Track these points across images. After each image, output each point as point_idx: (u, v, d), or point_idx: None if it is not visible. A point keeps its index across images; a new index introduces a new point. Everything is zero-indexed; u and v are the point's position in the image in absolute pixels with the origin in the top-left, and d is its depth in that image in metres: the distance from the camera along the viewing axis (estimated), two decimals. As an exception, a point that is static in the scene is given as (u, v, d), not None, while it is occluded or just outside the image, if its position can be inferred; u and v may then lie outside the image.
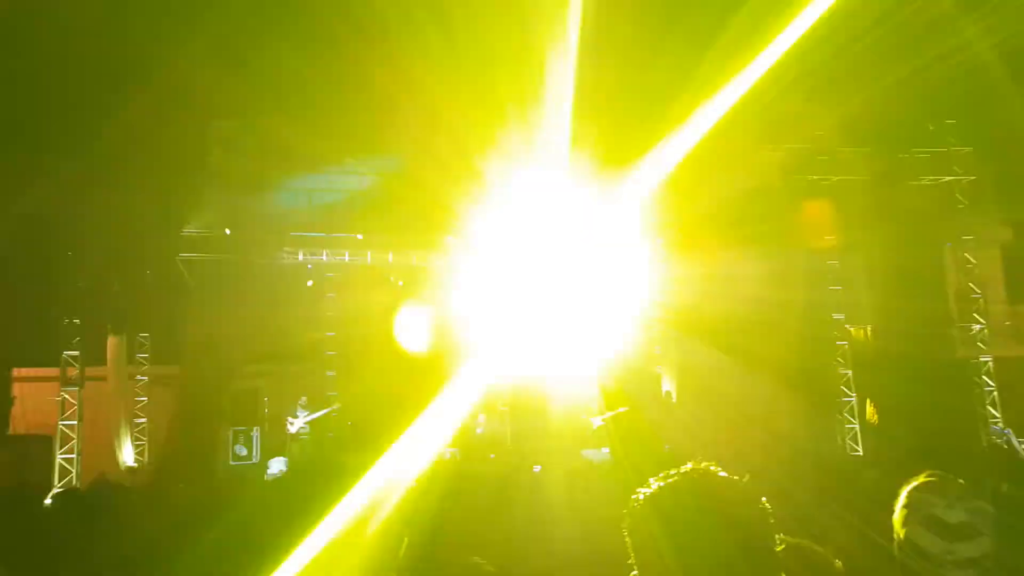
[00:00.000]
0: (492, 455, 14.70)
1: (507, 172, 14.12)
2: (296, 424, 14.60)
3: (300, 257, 16.77)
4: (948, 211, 16.16)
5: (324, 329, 19.76)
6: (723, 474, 1.51)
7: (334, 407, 16.18)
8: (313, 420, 14.91)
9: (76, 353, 13.91)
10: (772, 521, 1.39)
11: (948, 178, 15.93)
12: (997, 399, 15.34)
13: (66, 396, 14.08)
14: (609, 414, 16.59)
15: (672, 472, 1.55)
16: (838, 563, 1.85)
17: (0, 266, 8.86)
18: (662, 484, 1.47)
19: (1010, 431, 11.40)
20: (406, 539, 1.41)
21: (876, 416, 16.45)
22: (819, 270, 15.77)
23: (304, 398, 15.01)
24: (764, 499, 1.45)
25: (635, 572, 1.41)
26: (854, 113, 12.89)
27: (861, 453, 14.37)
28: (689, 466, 1.53)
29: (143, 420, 16.99)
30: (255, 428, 14.88)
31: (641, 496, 1.49)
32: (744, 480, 1.55)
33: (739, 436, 14.13)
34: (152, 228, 9.31)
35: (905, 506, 1.77)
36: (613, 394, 16.77)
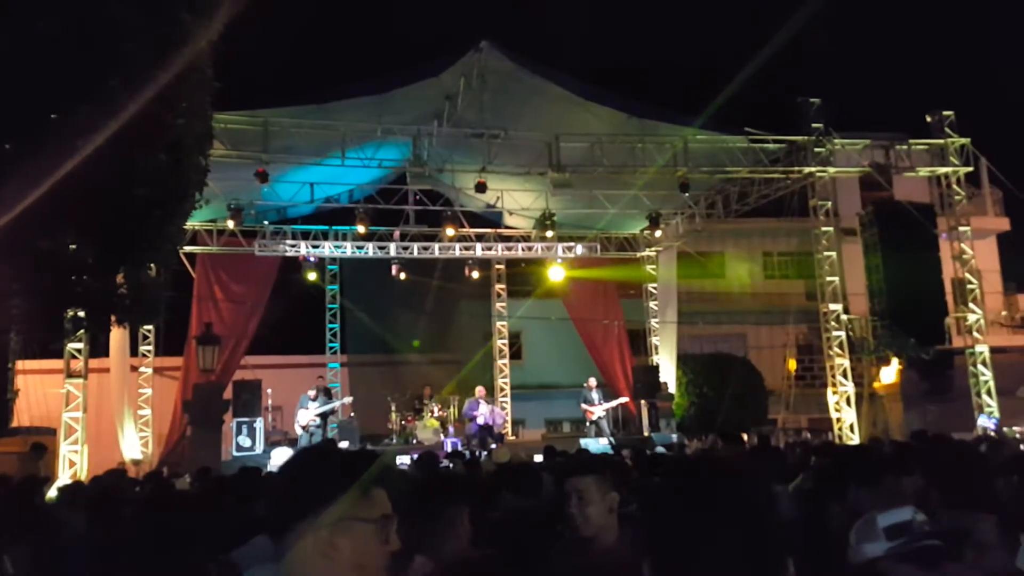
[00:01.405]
0: (493, 445, 14.79)
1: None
2: (307, 416, 14.67)
3: (302, 249, 16.86)
4: (945, 202, 16.26)
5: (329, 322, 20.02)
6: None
7: (345, 399, 16.25)
8: (323, 412, 14.95)
9: (80, 346, 14.02)
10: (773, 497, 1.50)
11: (945, 169, 16.01)
12: (992, 388, 15.46)
13: (70, 388, 14.21)
14: (609, 404, 16.76)
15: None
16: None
17: (3, 257, 8.94)
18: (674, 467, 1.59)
19: (997, 419, 11.50)
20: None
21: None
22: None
23: (312, 391, 15.05)
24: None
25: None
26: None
27: (857, 442, 14.46)
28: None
29: (147, 411, 17.14)
30: (258, 419, 14.98)
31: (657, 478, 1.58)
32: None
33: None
34: (154, 220, 9.32)
35: (858, 528, 2.04)
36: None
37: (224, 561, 3.27)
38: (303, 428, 14.66)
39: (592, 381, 16.82)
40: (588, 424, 16.48)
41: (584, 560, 2.62)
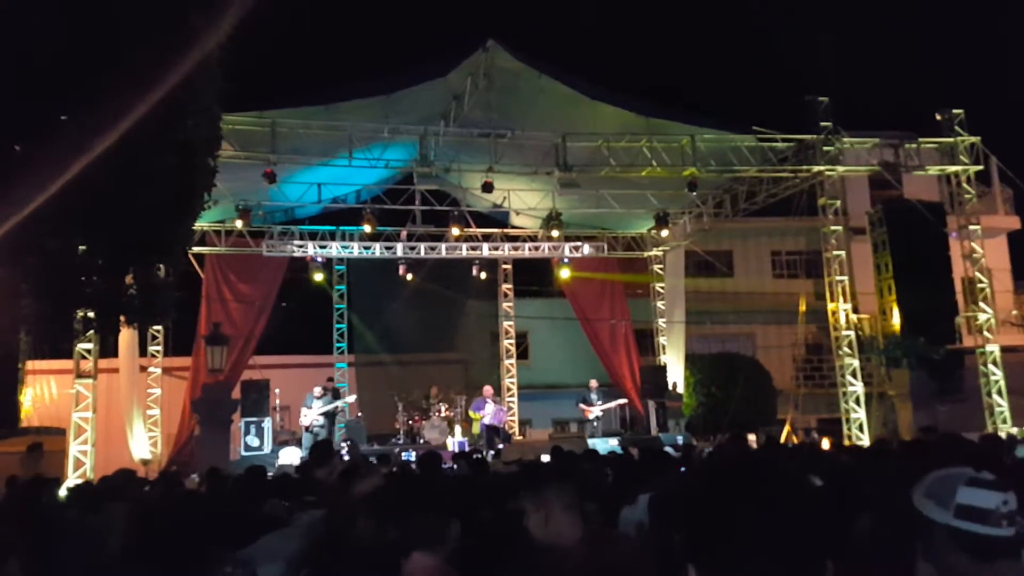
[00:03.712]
0: (500, 445, 14.78)
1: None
2: (310, 416, 14.66)
3: (310, 249, 16.88)
4: (955, 200, 16.18)
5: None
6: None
7: (347, 398, 16.20)
8: (326, 411, 14.92)
9: (89, 346, 14.06)
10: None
11: (955, 168, 15.91)
12: (1003, 387, 15.36)
13: (80, 388, 14.25)
14: (608, 405, 16.70)
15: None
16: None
17: (14, 259, 9.00)
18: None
19: None
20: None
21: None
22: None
23: (317, 389, 15.05)
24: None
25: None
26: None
27: (867, 443, 14.39)
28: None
29: (156, 411, 17.20)
30: (266, 419, 15.01)
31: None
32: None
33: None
34: (163, 221, 9.36)
35: (938, 481, 1.84)
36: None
37: (238, 559, 3.29)
38: (306, 429, 14.64)
39: (594, 383, 16.78)
40: (595, 423, 16.44)
41: (541, 566, 2.71)
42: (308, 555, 3.37)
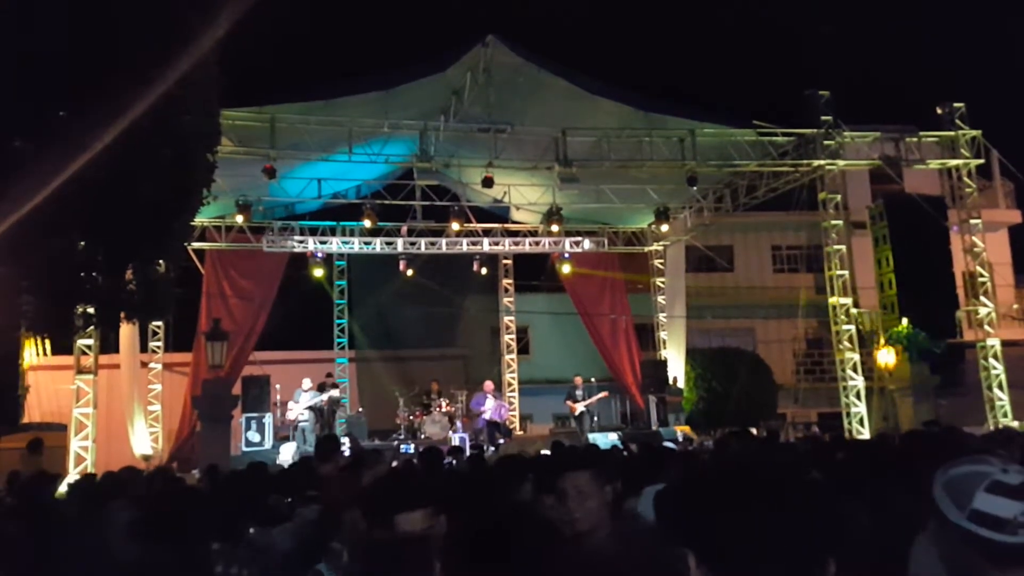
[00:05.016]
0: (501, 440, 14.80)
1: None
2: (295, 410, 14.58)
3: (310, 245, 16.87)
4: (956, 194, 16.16)
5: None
6: None
7: (332, 391, 15.95)
8: (313, 406, 14.82)
9: (90, 342, 14.07)
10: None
11: (956, 162, 15.88)
12: (1004, 381, 15.36)
13: (81, 384, 14.26)
14: (592, 399, 16.67)
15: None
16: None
17: (14, 256, 9.00)
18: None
19: None
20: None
21: None
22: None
23: (307, 381, 14.95)
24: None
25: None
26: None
27: (868, 436, 14.40)
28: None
29: (157, 407, 17.22)
30: (267, 414, 15.00)
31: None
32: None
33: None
34: (162, 217, 9.36)
35: (959, 478, 1.75)
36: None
37: (242, 558, 3.30)
38: (292, 426, 14.59)
39: (578, 379, 16.73)
40: (595, 417, 16.42)
41: (579, 557, 2.62)
42: (308, 550, 3.37)
